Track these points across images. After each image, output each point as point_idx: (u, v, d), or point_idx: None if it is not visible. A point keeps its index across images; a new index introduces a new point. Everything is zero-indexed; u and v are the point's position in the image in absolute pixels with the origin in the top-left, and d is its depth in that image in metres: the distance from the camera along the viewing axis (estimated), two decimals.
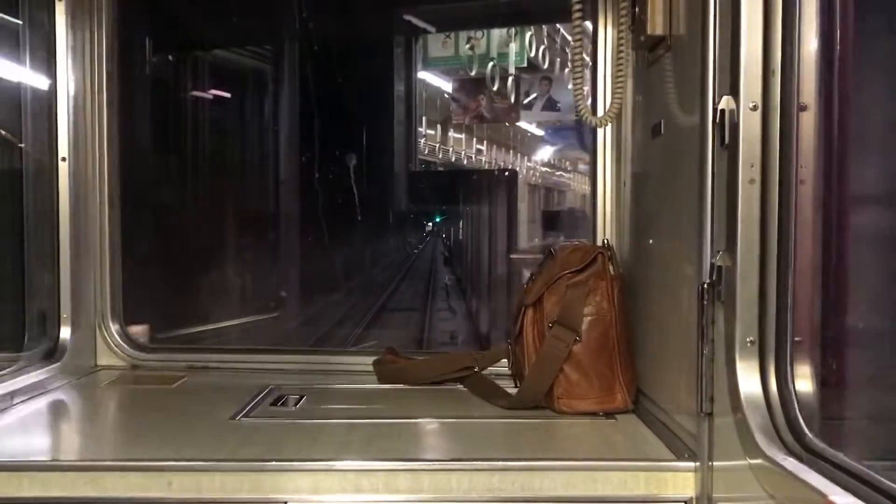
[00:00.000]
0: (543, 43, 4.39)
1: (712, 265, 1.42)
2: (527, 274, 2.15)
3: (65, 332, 2.31)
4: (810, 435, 1.26)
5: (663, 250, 1.81)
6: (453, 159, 6.06)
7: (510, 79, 3.97)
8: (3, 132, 2.25)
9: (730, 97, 1.38)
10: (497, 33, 4.21)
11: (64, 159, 2.29)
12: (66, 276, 2.30)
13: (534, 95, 3.83)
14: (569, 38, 2.18)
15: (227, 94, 4.11)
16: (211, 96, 4.01)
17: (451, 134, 5.94)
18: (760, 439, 1.28)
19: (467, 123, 4.36)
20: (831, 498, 1.07)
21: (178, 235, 3.46)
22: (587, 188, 2.45)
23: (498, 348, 2.17)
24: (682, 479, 1.52)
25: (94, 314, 2.44)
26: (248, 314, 3.66)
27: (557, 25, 4.44)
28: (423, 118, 4.96)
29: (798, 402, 1.31)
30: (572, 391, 1.88)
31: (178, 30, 3.54)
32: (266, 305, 3.86)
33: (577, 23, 1.85)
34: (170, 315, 3.08)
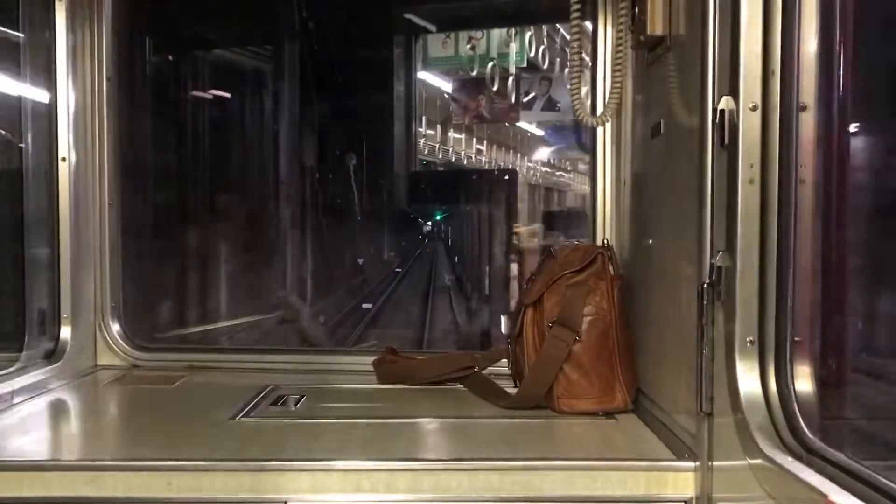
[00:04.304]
0: (543, 43, 4.39)
1: (712, 265, 1.42)
2: None
3: (65, 332, 2.31)
4: (810, 435, 1.26)
5: (663, 250, 1.81)
6: (453, 159, 6.06)
7: (510, 79, 3.97)
8: (3, 132, 2.25)
9: (729, 97, 1.38)
10: (497, 33, 4.21)
11: (64, 159, 2.29)
12: (66, 275, 2.30)
13: (532, 94, 3.83)
14: (568, 38, 2.18)
15: (227, 95, 4.11)
16: (210, 97, 4.00)
17: (451, 134, 5.94)
18: (760, 439, 1.28)
19: (467, 123, 4.36)
20: (831, 498, 1.07)
21: (177, 235, 3.46)
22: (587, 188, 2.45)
23: (498, 348, 2.17)
24: (682, 479, 1.52)
25: (94, 314, 2.44)
26: (241, 315, 3.64)
27: (557, 25, 4.44)
28: (423, 118, 4.96)
29: (798, 402, 1.31)
30: (572, 391, 1.89)
31: (178, 30, 3.54)
32: (260, 307, 3.85)
33: (576, 23, 1.85)
34: (167, 315, 3.09)
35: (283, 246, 4.18)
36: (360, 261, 4.93)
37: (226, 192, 3.92)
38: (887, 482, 1.06)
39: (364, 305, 4.58)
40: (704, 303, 1.44)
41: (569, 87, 1.94)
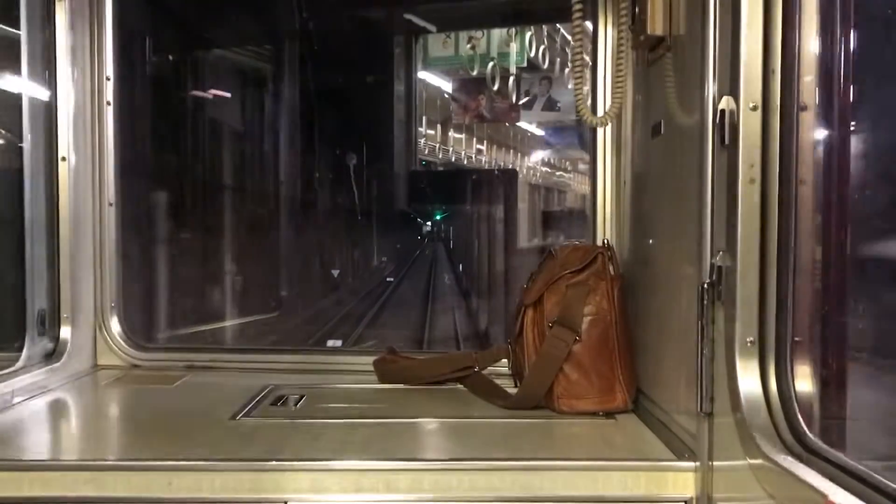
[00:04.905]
0: (543, 43, 4.39)
1: (712, 265, 1.42)
2: None
3: (65, 332, 2.31)
4: (810, 435, 1.26)
5: (663, 250, 1.81)
6: (453, 159, 6.06)
7: (510, 79, 3.98)
8: (3, 132, 2.25)
9: (730, 97, 1.38)
10: (497, 33, 4.21)
11: (64, 159, 2.29)
12: (66, 275, 2.30)
13: (535, 93, 3.82)
14: (569, 38, 2.18)
15: (227, 95, 4.11)
16: (211, 96, 4.01)
17: (452, 134, 5.94)
18: (760, 439, 1.28)
19: (467, 123, 4.37)
20: (831, 498, 1.07)
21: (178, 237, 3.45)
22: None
23: (498, 348, 2.16)
24: (682, 479, 1.52)
25: (94, 314, 2.44)
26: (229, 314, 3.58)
27: (557, 25, 4.44)
28: (424, 118, 4.96)
29: (798, 402, 1.31)
30: (572, 391, 1.88)
31: (179, 30, 3.54)
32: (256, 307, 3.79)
33: (578, 23, 1.85)
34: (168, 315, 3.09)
35: (269, 249, 4.14)
36: (335, 272, 4.56)
37: (214, 194, 3.89)
38: (887, 482, 1.06)
39: (329, 343, 3.75)
40: (704, 303, 1.44)
41: (573, 86, 1.94)
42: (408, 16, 4.26)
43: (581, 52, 1.90)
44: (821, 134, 1.34)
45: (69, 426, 1.99)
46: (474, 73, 4.14)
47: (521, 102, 3.82)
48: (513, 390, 2.02)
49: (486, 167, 6.44)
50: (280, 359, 2.50)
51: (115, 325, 2.47)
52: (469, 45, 4.21)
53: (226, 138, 4.18)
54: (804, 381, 1.34)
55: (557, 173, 6.48)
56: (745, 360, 1.35)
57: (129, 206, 2.55)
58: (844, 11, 1.35)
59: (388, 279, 5.13)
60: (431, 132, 5.53)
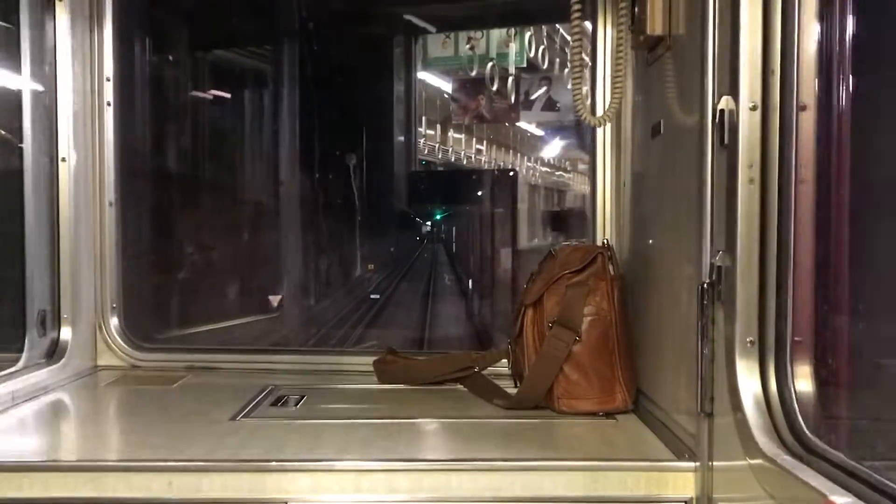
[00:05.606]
0: (543, 43, 4.39)
1: (712, 265, 1.42)
2: None
3: (65, 333, 2.31)
4: (810, 435, 1.26)
5: (663, 250, 1.81)
6: (453, 159, 6.06)
7: (510, 79, 3.98)
8: (3, 132, 2.25)
9: (729, 97, 1.38)
10: (497, 33, 4.21)
11: (64, 159, 2.29)
12: (67, 276, 2.30)
13: (538, 93, 3.81)
14: (568, 38, 2.19)
15: (227, 95, 4.10)
16: (210, 97, 4.00)
17: (451, 134, 5.94)
18: (760, 439, 1.28)
19: (467, 123, 4.36)
20: (831, 498, 1.07)
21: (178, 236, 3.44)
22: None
23: (498, 349, 2.17)
24: (682, 479, 1.52)
25: (94, 314, 2.44)
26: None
27: (557, 25, 4.44)
28: (423, 118, 4.96)
29: (798, 402, 1.31)
30: (572, 391, 1.89)
31: (178, 30, 3.54)
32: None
33: (577, 23, 1.85)
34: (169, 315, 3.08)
35: (267, 248, 4.11)
36: (334, 272, 4.34)
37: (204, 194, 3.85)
38: (887, 482, 1.06)
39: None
40: (704, 303, 1.44)
41: (571, 87, 1.95)
42: (407, 16, 4.25)
43: (580, 53, 1.90)
44: (820, 134, 1.34)
45: (69, 427, 1.99)
46: (474, 73, 4.14)
47: (530, 97, 3.81)
48: (513, 390, 2.03)
49: (487, 167, 6.44)
50: (280, 359, 2.50)
51: (115, 326, 2.47)
52: (468, 46, 4.21)
53: (223, 138, 4.17)
54: (804, 381, 1.34)
55: (557, 173, 6.48)
56: (745, 360, 1.35)
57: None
58: (844, 11, 1.35)
59: (388, 278, 5.13)
60: (431, 132, 5.53)
